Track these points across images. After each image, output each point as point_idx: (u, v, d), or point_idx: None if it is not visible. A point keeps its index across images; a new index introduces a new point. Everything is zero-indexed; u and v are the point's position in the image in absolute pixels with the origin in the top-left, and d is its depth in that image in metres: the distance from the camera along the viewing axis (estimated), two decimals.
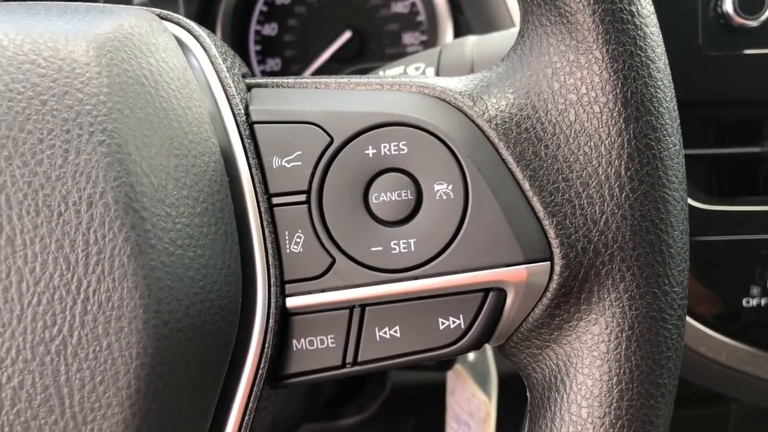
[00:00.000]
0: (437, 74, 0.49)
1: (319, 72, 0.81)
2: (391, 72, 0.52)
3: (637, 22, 0.31)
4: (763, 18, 0.60)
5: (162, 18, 0.35)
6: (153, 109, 0.30)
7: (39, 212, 0.27)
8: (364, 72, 0.81)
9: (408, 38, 0.82)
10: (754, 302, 0.60)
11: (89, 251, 0.27)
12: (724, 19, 0.61)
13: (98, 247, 0.27)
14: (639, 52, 0.30)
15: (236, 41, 0.80)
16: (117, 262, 0.27)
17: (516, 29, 0.50)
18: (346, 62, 0.81)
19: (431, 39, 0.81)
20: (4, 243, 0.27)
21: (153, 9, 0.35)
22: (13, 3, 0.35)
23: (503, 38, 0.48)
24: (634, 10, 0.31)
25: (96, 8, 0.33)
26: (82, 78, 0.29)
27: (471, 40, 0.49)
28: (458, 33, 0.78)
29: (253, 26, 0.81)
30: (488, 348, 0.71)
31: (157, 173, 0.29)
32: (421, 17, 0.82)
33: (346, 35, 0.81)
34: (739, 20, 0.60)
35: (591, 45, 0.30)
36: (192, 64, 0.33)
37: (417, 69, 0.50)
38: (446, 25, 0.79)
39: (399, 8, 0.82)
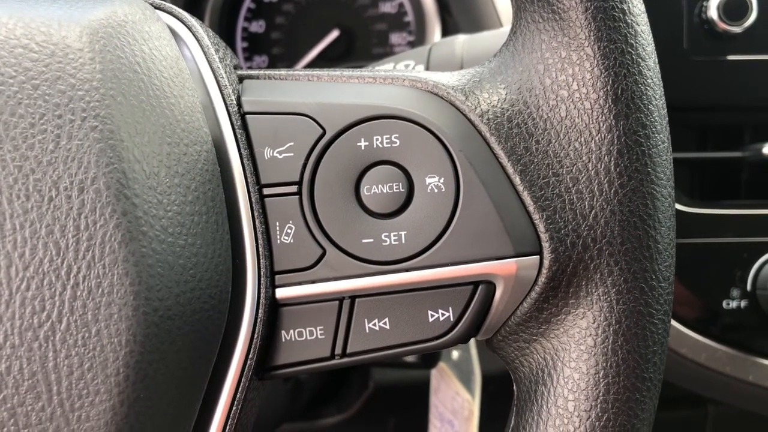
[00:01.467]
0: (426, 69, 0.49)
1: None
2: (380, 68, 0.52)
3: (629, 20, 0.31)
4: (746, 24, 0.61)
5: (155, 7, 0.34)
6: (146, 96, 0.30)
7: (29, 197, 0.27)
8: None
9: (395, 38, 0.83)
10: (734, 304, 0.61)
11: (80, 237, 0.27)
12: (708, 25, 0.62)
13: (89, 233, 0.27)
14: (630, 49, 0.31)
15: (223, 38, 0.80)
16: (108, 248, 0.27)
17: (505, 29, 0.50)
18: (334, 61, 0.82)
19: (419, 39, 0.81)
20: None
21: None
22: None
23: (493, 37, 0.48)
24: (625, 8, 0.31)
25: None
26: (75, 63, 0.28)
27: (461, 39, 0.49)
28: (446, 34, 0.79)
29: (241, 23, 0.81)
30: (472, 346, 0.71)
31: (149, 160, 0.29)
32: (409, 18, 0.82)
33: (334, 34, 0.81)
34: (723, 26, 0.61)
35: (583, 42, 0.31)
36: (184, 53, 0.33)
37: (407, 66, 0.50)
38: (434, 25, 0.79)
39: (387, 8, 0.82)
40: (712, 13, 0.61)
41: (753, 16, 0.61)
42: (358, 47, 0.82)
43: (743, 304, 0.61)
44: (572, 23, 0.31)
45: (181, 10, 0.35)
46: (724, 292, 0.61)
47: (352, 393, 0.83)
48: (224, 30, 0.80)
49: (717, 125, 0.65)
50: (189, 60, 0.33)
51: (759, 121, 0.65)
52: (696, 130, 0.65)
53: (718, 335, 0.61)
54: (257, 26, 0.81)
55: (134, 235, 0.27)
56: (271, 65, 0.81)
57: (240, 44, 0.81)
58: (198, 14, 0.78)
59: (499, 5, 0.65)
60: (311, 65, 0.81)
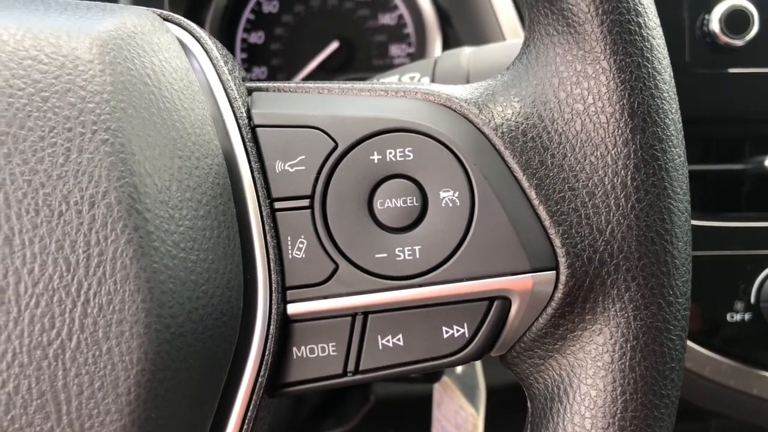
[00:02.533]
0: (432, 82, 0.49)
1: (305, 81, 0.80)
2: (385, 81, 0.51)
3: (644, 34, 0.31)
4: (748, 38, 0.61)
5: (163, 18, 0.34)
6: (156, 109, 0.29)
7: (39, 211, 0.26)
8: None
9: (395, 50, 0.83)
10: (738, 317, 0.61)
11: (90, 253, 0.26)
12: (710, 38, 0.62)
13: (100, 249, 0.26)
14: (646, 63, 0.31)
15: None
16: (119, 264, 0.26)
17: (512, 41, 0.50)
18: (333, 72, 0.81)
19: (419, 51, 0.81)
20: (2, 243, 0.26)
21: (154, 9, 0.35)
22: None
23: (499, 50, 0.48)
24: (641, 21, 0.31)
25: (97, 6, 0.33)
26: (85, 75, 0.28)
27: (466, 51, 0.49)
28: (447, 46, 0.79)
29: (240, 34, 0.81)
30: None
31: (160, 174, 0.28)
32: (409, 29, 0.82)
33: (334, 45, 0.80)
34: (725, 39, 0.61)
35: (598, 55, 0.30)
36: (193, 65, 0.33)
37: (412, 78, 0.50)
38: (435, 37, 0.79)
39: (386, 20, 0.82)
40: (714, 26, 0.61)
41: (754, 30, 0.61)
42: (358, 58, 0.82)
43: (747, 317, 0.61)
44: (587, 36, 0.31)
45: (189, 22, 0.35)
46: (728, 305, 0.61)
47: (352, 406, 0.82)
48: (224, 41, 0.80)
49: (718, 138, 0.65)
50: (198, 72, 0.33)
51: (760, 134, 0.65)
52: (697, 143, 0.65)
53: (723, 348, 0.61)
54: (256, 37, 0.81)
55: (146, 250, 0.27)
56: (271, 76, 0.81)
57: (239, 55, 0.81)
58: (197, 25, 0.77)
59: (502, 18, 0.65)
60: (311, 76, 0.80)
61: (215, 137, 0.31)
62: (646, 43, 0.31)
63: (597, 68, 0.31)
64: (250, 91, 0.34)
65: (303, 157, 0.32)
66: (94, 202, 0.27)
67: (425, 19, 0.79)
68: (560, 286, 0.31)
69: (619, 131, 0.30)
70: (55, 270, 0.26)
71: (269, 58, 0.82)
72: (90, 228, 0.26)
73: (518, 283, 0.31)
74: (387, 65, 0.83)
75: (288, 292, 0.31)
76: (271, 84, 0.35)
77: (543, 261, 0.31)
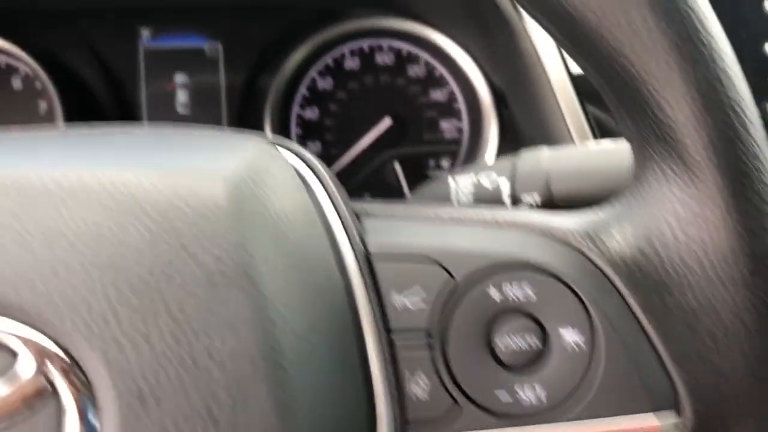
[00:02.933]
0: (512, 185, 0.50)
1: (358, 156, 0.82)
2: (461, 180, 0.52)
3: (763, 179, 0.31)
4: None
5: (277, 145, 0.35)
6: (287, 250, 0.30)
7: (185, 366, 0.26)
8: (403, 157, 0.82)
9: (445, 125, 0.84)
10: None
11: (235, 407, 0.26)
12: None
13: (245, 404, 0.26)
14: (764, 207, 0.31)
15: (277, 124, 0.81)
16: (261, 418, 0.27)
17: (592, 148, 0.51)
18: (385, 147, 0.82)
19: (473, 128, 0.82)
20: (152, 401, 0.26)
21: (266, 136, 0.36)
22: (130, 131, 0.35)
23: (580, 156, 0.49)
24: (759, 165, 0.31)
25: (218, 140, 0.33)
26: (222, 224, 0.28)
27: (545, 153, 0.49)
28: (503, 127, 0.80)
29: (295, 110, 0.82)
30: None
31: (297, 321, 0.28)
32: (459, 105, 0.83)
33: (386, 122, 0.82)
34: None
35: (717, 200, 0.31)
36: (309, 194, 0.34)
37: (489, 177, 0.50)
38: (490, 116, 0.80)
39: (437, 96, 0.83)
40: None
41: None
42: (410, 133, 0.83)
43: None
44: (706, 181, 0.31)
45: (299, 147, 0.36)
46: None
47: None
48: (280, 116, 0.81)
49: None
50: (315, 203, 0.33)
51: None
52: None
53: None
54: (311, 113, 0.82)
55: (285, 403, 0.27)
56: (325, 151, 0.82)
57: (294, 130, 0.82)
58: (259, 103, 0.79)
59: (563, 103, 0.66)
60: (364, 152, 0.81)
61: (337, 270, 0.32)
62: (765, 187, 0.31)
63: (716, 212, 0.31)
64: (357, 215, 0.35)
65: (420, 289, 0.32)
66: (237, 354, 0.27)
67: (479, 96, 0.80)
68: (684, 429, 0.31)
69: (740, 274, 0.31)
70: (204, 427, 0.26)
71: (323, 133, 0.83)
72: (234, 382, 0.27)
73: (641, 425, 0.31)
74: (437, 140, 0.84)
75: (407, 427, 0.32)
76: (377, 206, 0.36)
77: (666, 403, 0.31)
